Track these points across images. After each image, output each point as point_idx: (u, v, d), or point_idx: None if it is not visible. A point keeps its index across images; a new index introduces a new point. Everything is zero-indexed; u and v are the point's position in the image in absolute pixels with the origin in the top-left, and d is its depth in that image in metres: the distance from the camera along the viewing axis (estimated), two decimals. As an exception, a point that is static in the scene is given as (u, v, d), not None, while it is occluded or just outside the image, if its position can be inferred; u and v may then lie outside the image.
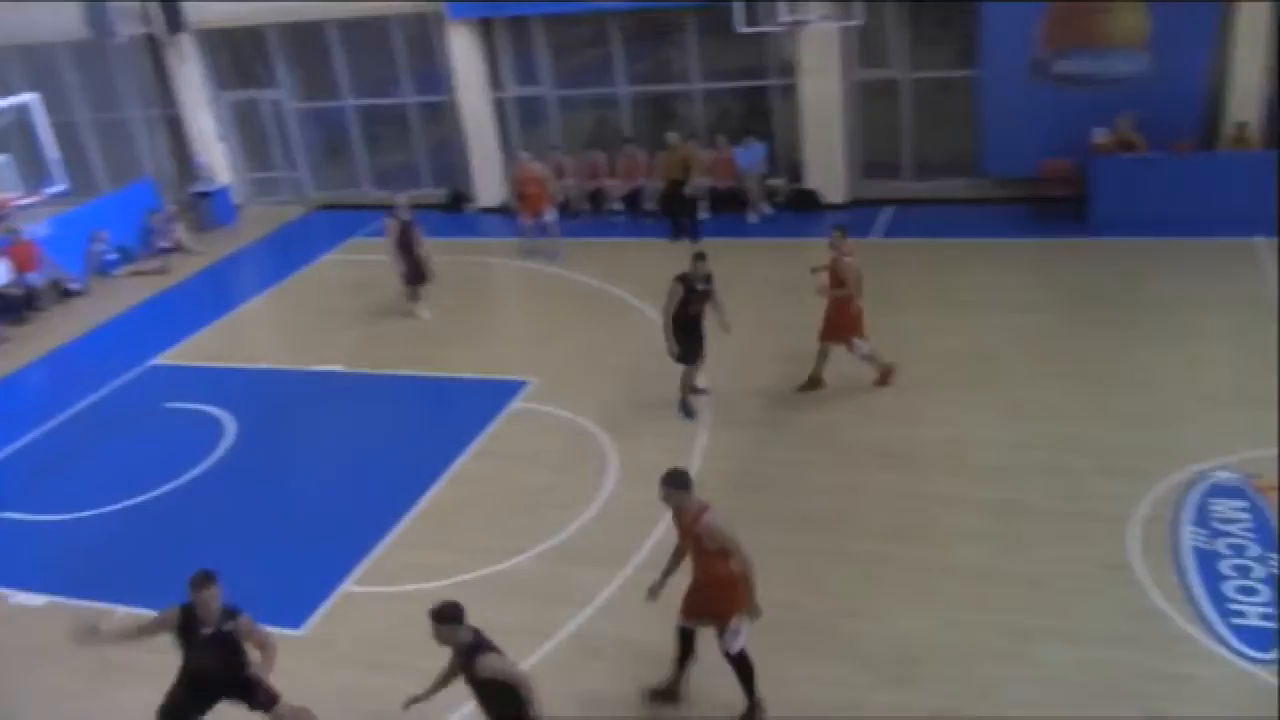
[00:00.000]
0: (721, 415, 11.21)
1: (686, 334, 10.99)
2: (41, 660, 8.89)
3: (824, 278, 11.08)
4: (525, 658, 8.05)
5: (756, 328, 12.77)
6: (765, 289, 14.14)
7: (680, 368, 11.14)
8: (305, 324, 15.17)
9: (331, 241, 18.19)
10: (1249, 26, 14.45)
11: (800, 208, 16.98)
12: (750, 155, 16.89)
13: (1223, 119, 14.92)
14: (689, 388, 11.36)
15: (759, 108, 17.80)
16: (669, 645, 7.77)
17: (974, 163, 16.37)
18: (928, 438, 10.42)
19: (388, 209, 14.20)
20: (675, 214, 16.40)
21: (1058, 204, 15.46)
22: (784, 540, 9.00)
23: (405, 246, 13.99)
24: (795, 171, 17.37)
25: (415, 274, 14.17)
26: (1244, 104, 14.73)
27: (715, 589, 6.96)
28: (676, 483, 6.88)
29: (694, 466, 10.26)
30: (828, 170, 16.96)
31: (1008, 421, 10.54)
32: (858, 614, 8.18)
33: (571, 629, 8.34)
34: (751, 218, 16.84)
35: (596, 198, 17.90)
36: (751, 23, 15.19)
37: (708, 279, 10.90)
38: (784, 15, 15.10)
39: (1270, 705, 7.02)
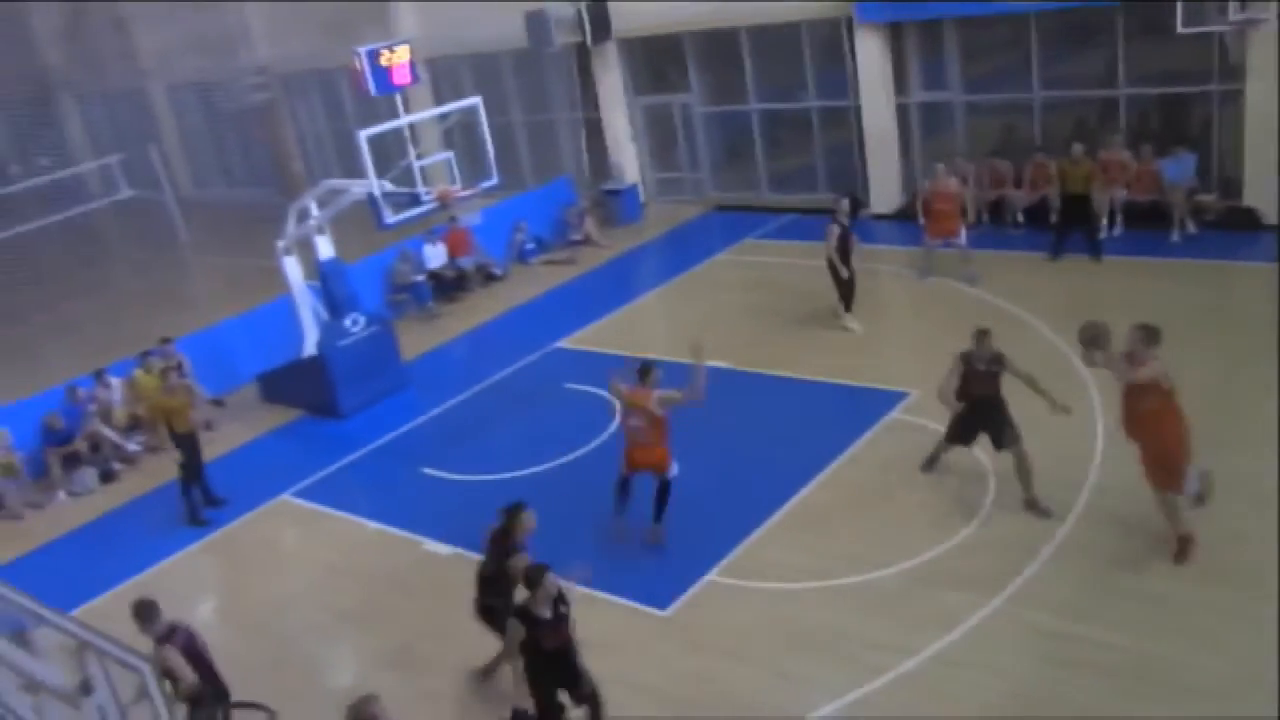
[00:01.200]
0: (1118, 447, 10.27)
1: (973, 414, 9.79)
2: (442, 603, 9.93)
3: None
4: (883, 674, 7.91)
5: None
6: (1179, 316, 12.86)
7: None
8: (696, 319, 15.74)
9: (726, 241, 18.76)
10: None
11: (1233, 227, 15.21)
12: (1179, 167, 15.36)
13: None
14: (941, 447, 10.32)
15: (1191, 115, 16.19)
16: (1034, 679, 7.38)
17: None
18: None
19: (830, 213, 14.09)
20: (1062, 230, 15.33)
21: None
22: (1192, 594, 8.15)
23: (843, 253, 13.88)
24: (1230, 187, 15.60)
25: (847, 283, 14.05)
26: None
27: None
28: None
29: (1081, 499, 9.58)
30: (1272, 187, 15.06)
31: None
32: (1269, 688, 7.23)
33: (933, 651, 8.05)
34: (1174, 236, 15.32)
35: (998, 208, 17.08)
36: (1195, 22, 13.81)
37: (997, 360, 9.59)
38: (1235, 13, 13.59)
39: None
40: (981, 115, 17.96)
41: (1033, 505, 9.60)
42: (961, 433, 10.06)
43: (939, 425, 11.13)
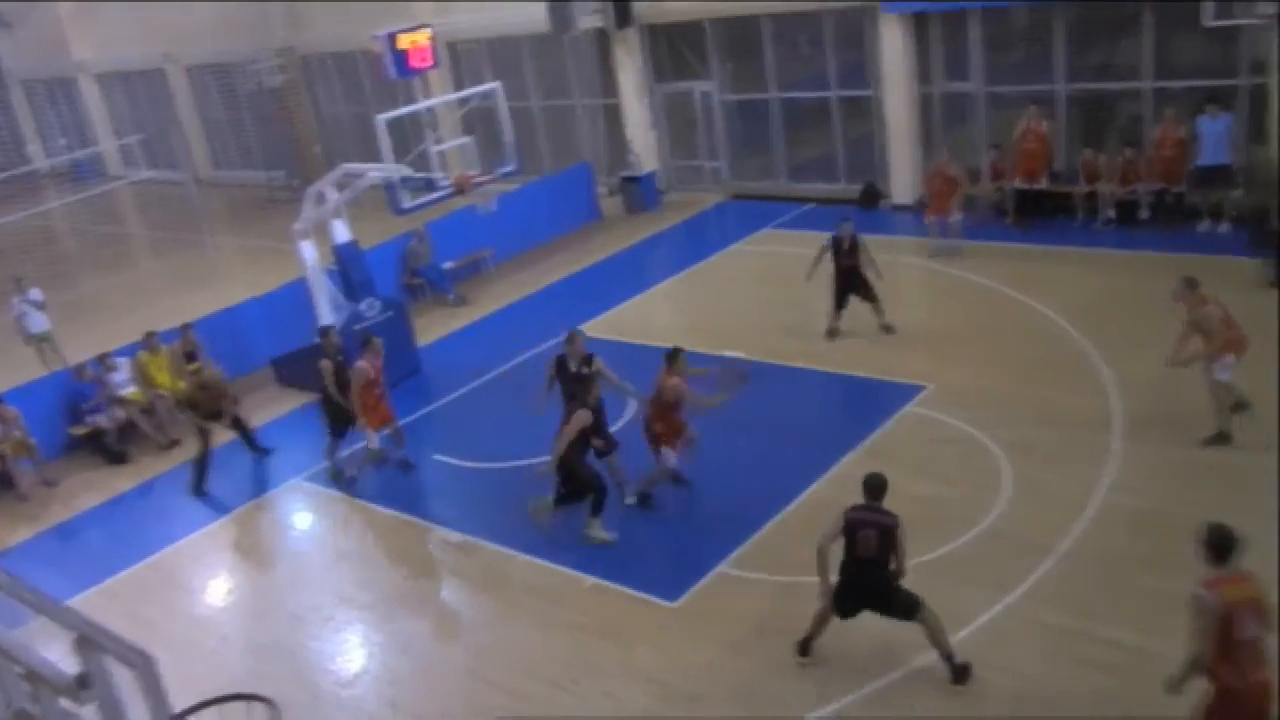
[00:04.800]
0: (1143, 445, 10.20)
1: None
2: (453, 590, 9.92)
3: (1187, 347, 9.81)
4: (894, 670, 7.85)
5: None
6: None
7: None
8: (711, 308, 15.68)
9: (744, 230, 18.65)
10: None
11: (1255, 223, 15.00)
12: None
13: None
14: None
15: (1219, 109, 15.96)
16: (1047, 679, 7.27)
17: None
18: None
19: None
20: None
21: None
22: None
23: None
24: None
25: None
26: None
27: None
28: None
29: (1097, 499, 9.47)
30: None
31: None
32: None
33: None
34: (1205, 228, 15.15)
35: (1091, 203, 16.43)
36: (1224, 15, 13.59)
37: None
38: (1264, 7, 13.37)
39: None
40: (1003, 107, 17.73)
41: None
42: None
43: (956, 421, 11.09)
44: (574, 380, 10.40)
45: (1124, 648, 7.70)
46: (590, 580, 9.54)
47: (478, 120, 18.04)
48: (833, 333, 13.66)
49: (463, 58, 23.49)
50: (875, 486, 7.64)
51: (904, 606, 7.58)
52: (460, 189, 14.01)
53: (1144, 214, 15.76)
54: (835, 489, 10.26)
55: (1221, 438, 9.93)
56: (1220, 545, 6.10)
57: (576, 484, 9.87)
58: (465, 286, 17.74)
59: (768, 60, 19.69)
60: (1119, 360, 11.79)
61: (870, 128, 18.83)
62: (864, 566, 7.61)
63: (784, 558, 9.34)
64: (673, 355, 10.13)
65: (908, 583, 7.62)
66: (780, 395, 12.52)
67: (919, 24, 17.67)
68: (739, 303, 15.59)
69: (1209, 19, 13.77)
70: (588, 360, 10.44)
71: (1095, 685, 7.45)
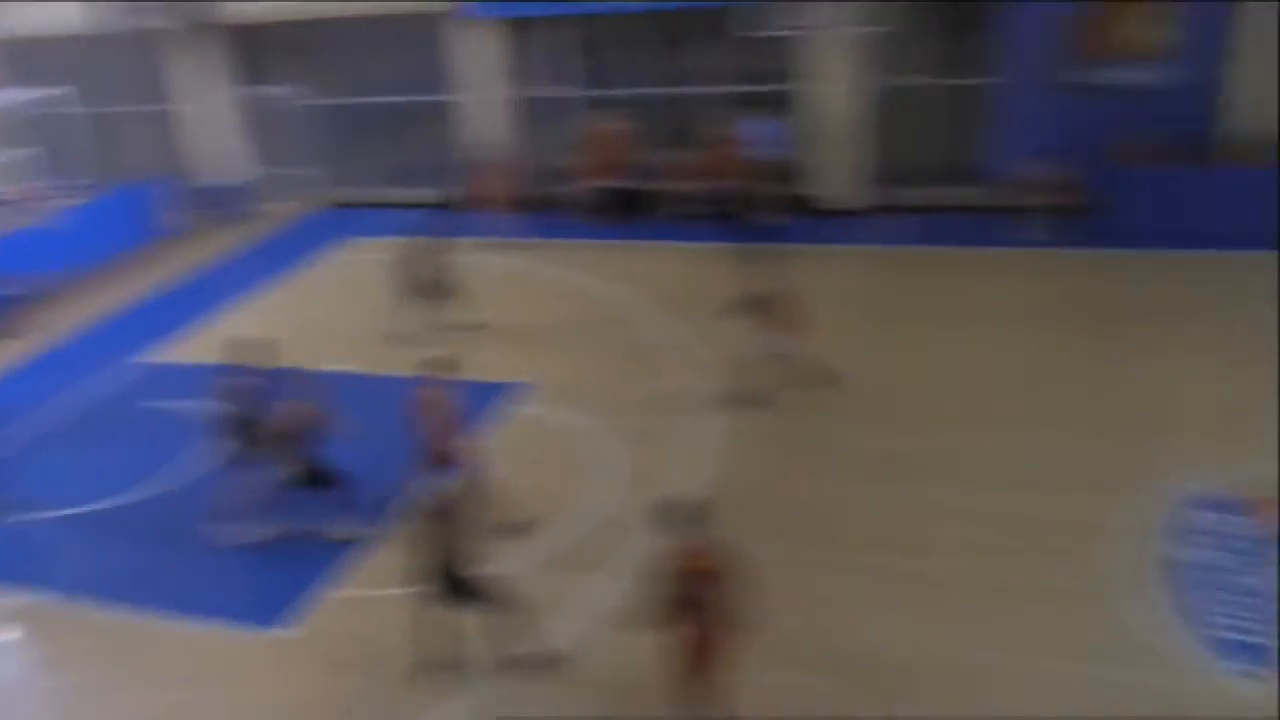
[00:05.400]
0: (735, 418, 11.08)
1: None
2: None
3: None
4: (517, 666, 7.93)
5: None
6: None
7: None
8: (304, 320, 15.04)
9: (336, 239, 18.16)
10: (1255, 38, 14.44)
11: (802, 213, 16.84)
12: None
13: (1232, 131, 14.92)
14: None
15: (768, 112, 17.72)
16: (648, 663, 7.70)
17: (984, 170, 16.28)
18: (928, 447, 10.30)
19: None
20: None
21: (1068, 214, 15.27)
22: (771, 549, 8.79)
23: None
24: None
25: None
26: (1251, 116, 14.70)
27: None
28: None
29: (702, 475, 10.12)
30: (835, 177, 16.85)
31: (1010, 433, 10.38)
32: (847, 626, 8.03)
33: (555, 638, 8.19)
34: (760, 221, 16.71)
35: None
36: (755, 27, 15.09)
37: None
38: (787, 19, 15.00)
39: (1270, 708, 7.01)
40: (586, 110, 18.52)
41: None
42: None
43: (564, 413, 11.41)
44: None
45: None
46: (190, 624, 8.87)
47: (34, 129, 16.13)
48: (414, 338, 13.43)
49: (14, 59, 20.85)
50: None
51: (483, 595, 7.63)
52: (11, 205, 12.53)
53: (712, 209, 17.17)
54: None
55: (761, 399, 11.04)
56: (676, 519, 6.73)
57: (321, 479, 9.65)
58: (15, 316, 15.74)
59: (355, 65, 19.32)
60: (704, 343, 12.72)
61: (460, 132, 19.00)
62: (441, 556, 7.63)
63: (388, 571, 9.15)
64: (436, 363, 9.73)
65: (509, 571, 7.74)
66: (381, 406, 12.18)
67: (498, 31, 18.06)
68: (333, 313, 15.10)
69: (749, 30, 15.22)
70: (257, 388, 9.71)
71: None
